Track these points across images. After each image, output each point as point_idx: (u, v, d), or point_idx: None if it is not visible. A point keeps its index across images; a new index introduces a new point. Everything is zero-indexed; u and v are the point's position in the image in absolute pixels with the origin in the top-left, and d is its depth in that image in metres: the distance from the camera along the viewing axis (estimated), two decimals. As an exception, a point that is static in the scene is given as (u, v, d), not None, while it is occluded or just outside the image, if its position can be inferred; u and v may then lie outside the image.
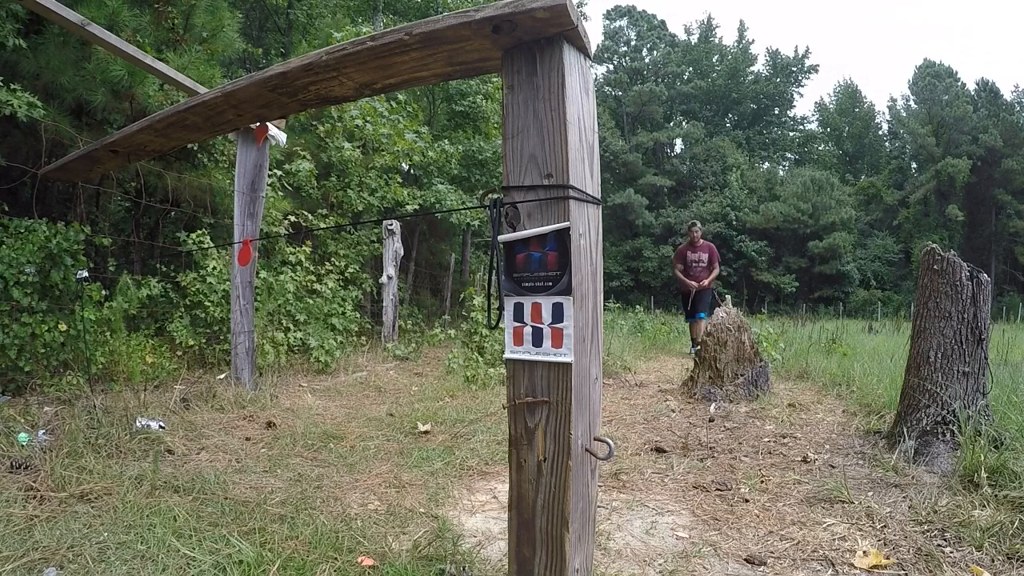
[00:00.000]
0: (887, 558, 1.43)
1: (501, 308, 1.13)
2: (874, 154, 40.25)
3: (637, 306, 13.39)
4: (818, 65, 40.82)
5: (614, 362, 5.01)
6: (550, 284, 1.07)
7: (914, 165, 36.90)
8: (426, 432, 2.73)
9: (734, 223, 30.73)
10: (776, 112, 41.18)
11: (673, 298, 21.01)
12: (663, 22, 41.64)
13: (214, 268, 4.07)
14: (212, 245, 4.16)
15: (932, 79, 35.63)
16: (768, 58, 40.97)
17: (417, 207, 6.97)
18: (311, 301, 4.90)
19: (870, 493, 1.88)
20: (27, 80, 3.53)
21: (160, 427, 2.50)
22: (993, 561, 1.41)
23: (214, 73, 4.25)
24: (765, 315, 11.53)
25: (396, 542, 1.53)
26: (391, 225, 6.60)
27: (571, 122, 1.06)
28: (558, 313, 1.06)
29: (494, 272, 1.15)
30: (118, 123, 4.08)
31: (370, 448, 2.46)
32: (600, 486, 2.00)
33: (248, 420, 2.86)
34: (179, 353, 3.95)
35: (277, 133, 3.31)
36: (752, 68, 40.46)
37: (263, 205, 3.47)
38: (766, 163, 38.89)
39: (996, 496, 1.70)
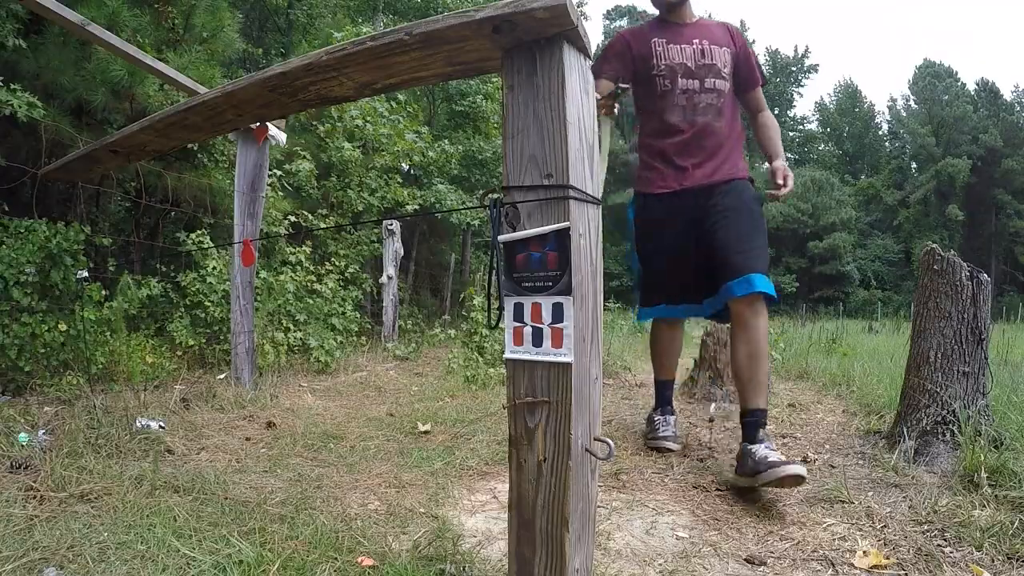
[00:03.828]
0: (887, 558, 1.43)
1: (501, 308, 1.13)
2: (874, 154, 40.27)
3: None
4: (818, 65, 40.86)
5: (614, 362, 5.01)
6: (550, 284, 1.07)
7: (914, 165, 36.92)
8: (426, 432, 2.73)
9: (734, 223, 30.69)
10: (776, 112, 41.14)
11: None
12: (663, 22, 41.57)
13: (214, 268, 4.07)
14: (212, 245, 4.16)
15: (932, 79, 35.64)
16: (768, 58, 40.98)
17: (417, 207, 6.97)
18: (311, 301, 4.90)
19: (870, 493, 1.88)
20: (27, 80, 3.53)
21: (160, 427, 2.50)
22: (993, 561, 1.41)
23: (214, 73, 4.25)
24: (765, 315, 11.49)
25: (396, 542, 1.53)
26: (391, 225, 6.60)
27: (571, 122, 1.06)
28: (558, 313, 1.06)
29: (494, 272, 1.15)
30: (118, 123, 4.08)
31: (370, 448, 2.46)
32: (600, 486, 1.99)
33: (248, 420, 2.86)
34: (179, 353, 3.95)
35: (277, 133, 3.31)
36: (752, 68, 40.43)
37: (263, 205, 3.47)
38: (766, 163, 38.89)
39: (996, 496, 1.70)
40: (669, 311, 2.41)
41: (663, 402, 2.58)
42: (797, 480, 1.73)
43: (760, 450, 1.86)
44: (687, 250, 2.21)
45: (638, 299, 2.48)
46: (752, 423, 2.00)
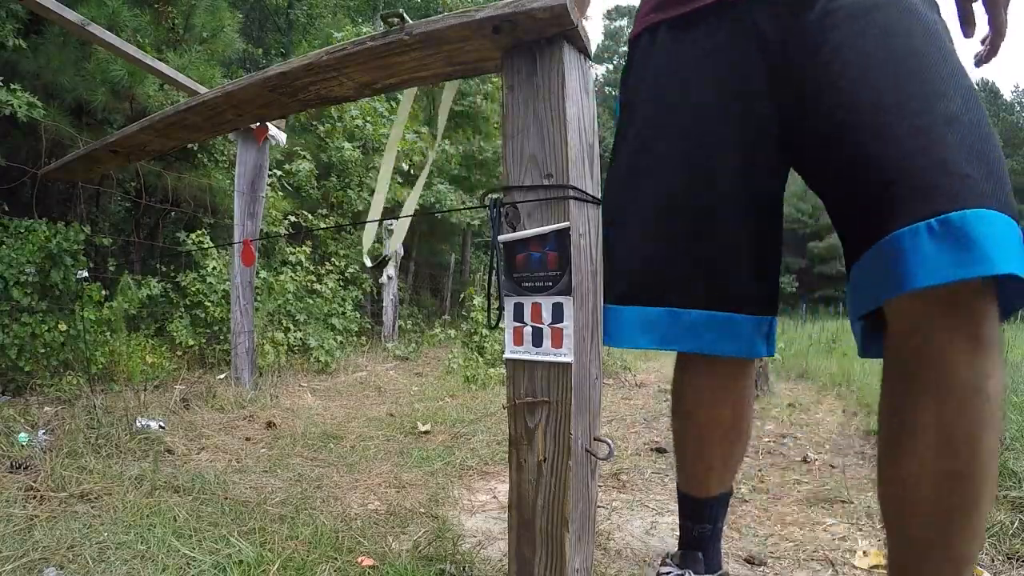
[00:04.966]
0: (887, 558, 1.43)
1: (501, 308, 1.13)
2: (874, 154, 40.33)
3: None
4: (818, 65, 40.81)
5: (614, 362, 5.01)
6: (550, 284, 1.07)
7: (914, 165, 36.91)
8: (426, 432, 2.73)
9: (734, 223, 30.73)
10: (776, 112, 41.23)
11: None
12: (663, 22, 41.57)
13: (214, 268, 4.07)
14: (212, 245, 4.16)
15: (932, 79, 35.63)
16: (768, 58, 40.99)
17: (417, 207, 6.97)
18: (311, 301, 4.91)
19: (870, 493, 1.88)
20: (27, 80, 3.54)
21: (160, 427, 2.50)
22: (993, 561, 1.41)
23: (214, 73, 4.26)
24: (765, 315, 11.49)
25: (396, 542, 1.53)
26: (391, 225, 6.60)
27: (571, 122, 1.06)
28: (558, 313, 1.06)
29: (494, 272, 1.15)
30: (118, 123, 4.08)
31: (370, 448, 2.46)
32: (600, 486, 2.00)
33: (248, 420, 2.86)
34: (179, 353, 3.95)
35: (277, 133, 3.31)
36: (752, 68, 40.43)
37: (263, 205, 3.47)
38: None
39: (996, 496, 1.70)
40: (687, 334, 1.01)
41: (688, 541, 1.19)
42: None
43: None
44: (751, 165, 1.00)
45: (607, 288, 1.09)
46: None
